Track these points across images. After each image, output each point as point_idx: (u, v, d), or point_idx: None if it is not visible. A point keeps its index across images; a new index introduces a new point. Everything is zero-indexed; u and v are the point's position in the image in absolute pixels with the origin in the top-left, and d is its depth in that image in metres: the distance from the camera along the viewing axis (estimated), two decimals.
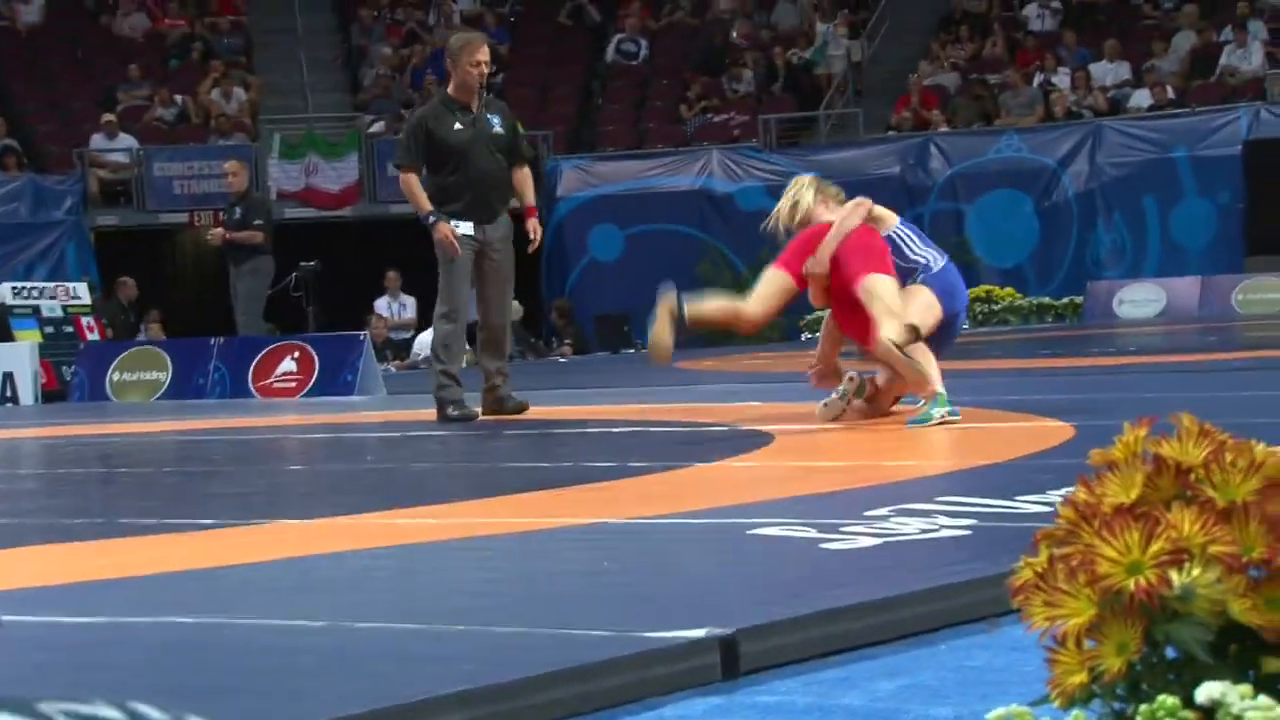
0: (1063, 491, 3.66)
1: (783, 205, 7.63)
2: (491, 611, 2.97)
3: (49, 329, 15.66)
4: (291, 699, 2.35)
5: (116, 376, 14.06)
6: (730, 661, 2.57)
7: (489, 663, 2.52)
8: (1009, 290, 20.89)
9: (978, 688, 2.41)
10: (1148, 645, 1.40)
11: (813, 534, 3.69)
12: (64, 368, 15.10)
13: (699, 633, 2.59)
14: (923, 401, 7.09)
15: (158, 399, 13.63)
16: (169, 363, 13.93)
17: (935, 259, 7.48)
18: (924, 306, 7.31)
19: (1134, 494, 1.45)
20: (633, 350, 20.67)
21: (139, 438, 9.35)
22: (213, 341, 13.90)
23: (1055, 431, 6.07)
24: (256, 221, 14.61)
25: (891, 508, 4.05)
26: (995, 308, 20.58)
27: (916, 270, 7.42)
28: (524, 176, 9.16)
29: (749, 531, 3.81)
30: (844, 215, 7.42)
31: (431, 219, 8.76)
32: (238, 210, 14.77)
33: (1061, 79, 22.73)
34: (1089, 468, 1.54)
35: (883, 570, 3.24)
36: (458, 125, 8.85)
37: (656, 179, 21.96)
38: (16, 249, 21.19)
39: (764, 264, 7.78)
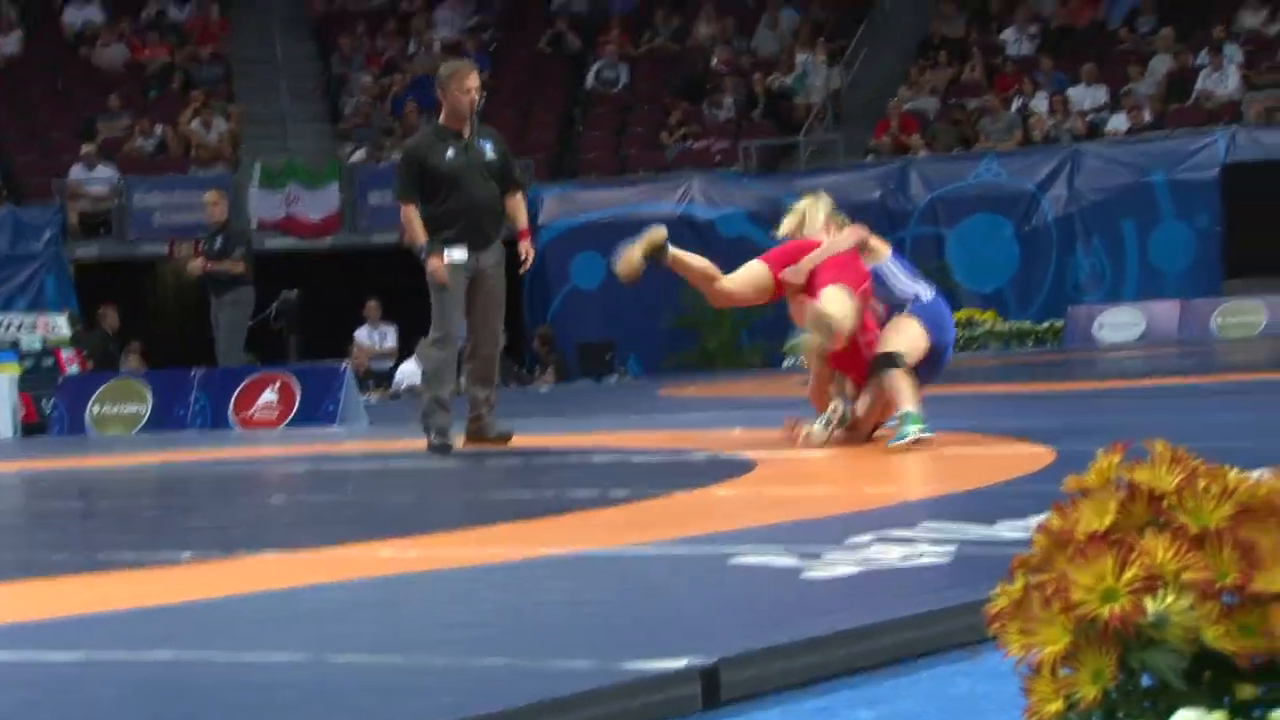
0: (1043, 517, 3.67)
1: (791, 217, 7.71)
2: (473, 643, 2.97)
3: (28, 362, 15.62)
4: None
5: (97, 409, 14.03)
6: (711, 691, 2.57)
7: (471, 695, 2.52)
8: (990, 314, 20.93)
9: (959, 715, 2.41)
10: (1123, 672, 1.40)
11: (794, 562, 3.69)
12: (44, 400, 15.06)
13: (680, 663, 2.59)
14: (895, 421, 7.14)
15: (138, 431, 13.60)
16: (149, 395, 13.90)
17: (924, 292, 7.53)
18: (912, 337, 7.35)
19: (1108, 521, 1.46)
20: (615, 378, 20.68)
21: (119, 471, 9.33)
22: (193, 372, 13.88)
23: (1036, 456, 6.08)
24: (237, 252, 14.58)
25: (873, 535, 4.05)
26: (976, 332, 20.61)
27: (906, 303, 7.46)
28: (517, 202, 9.19)
29: (730, 560, 3.81)
30: (837, 237, 7.48)
31: (423, 253, 8.79)
32: (218, 240, 14.75)
33: (1039, 103, 22.81)
34: (1064, 494, 1.54)
35: (864, 598, 3.24)
36: (450, 153, 8.87)
37: (638, 206, 21.97)
38: None
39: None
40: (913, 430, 6.93)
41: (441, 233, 8.81)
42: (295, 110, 24.97)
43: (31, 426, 14.85)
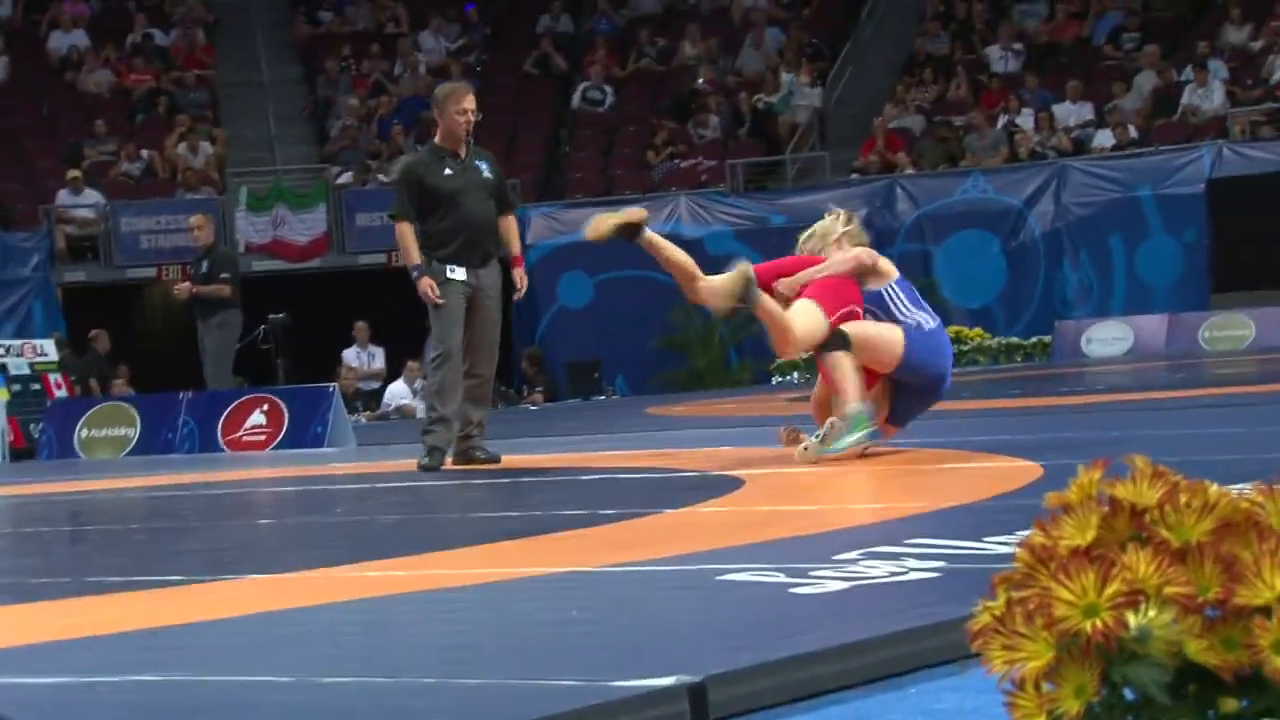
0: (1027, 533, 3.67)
1: (814, 228, 7.73)
2: (461, 663, 2.97)
3: (16, 387, 15.60)
4: None
5: (85, 433, 14.01)
6: (699, 709, 2.57)
7: (458, 715, 2.51)
8: (977, 331, 20.97)
9: None
10: (1106, 687, 1.41)
11: (782, 579, 3.69)
12: (32, 425, 15.03)
13: (668, 680, 2.59)
14: (839, 425, 7.12)
15: (126, 455, 13.58)
16: (137, 418, 13.89)
17: (926, 320, 7.49)
18: (887, 340, 7.34)
19: (1089, 536, 1.46)
20: (604, 397, 20.68)
21: (107, 495, 9.31)
22: (181, 396, 13.87)
23: (1023, 471, 6.09)
24: (223, 275, 14.59)
25: (860, 551, 4.05)
26: (964, 348, 20.65)
27: (906, 330, 7.44)
28: (510, 224, 9.23)
29: (718, 577, 3.81)
30: (837, 258, 7.49)
31: (415, 272, 8.81)
32: (204, 264, 14.75)
33: (1025, 120, 22.88)
34: (1046, 510, 1.55)
35: (852, 614, 3.24)
36: (448, 171, 8.92)
37: None
38: None
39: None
40: (859, 435, 6.98)
41: (440, 250, 8.85)
42: (281, 133, 24.99)
43: (20, 452, 14.83)
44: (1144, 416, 9.27)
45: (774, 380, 20.26)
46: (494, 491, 7.67)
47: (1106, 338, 20.78)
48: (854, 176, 22.82)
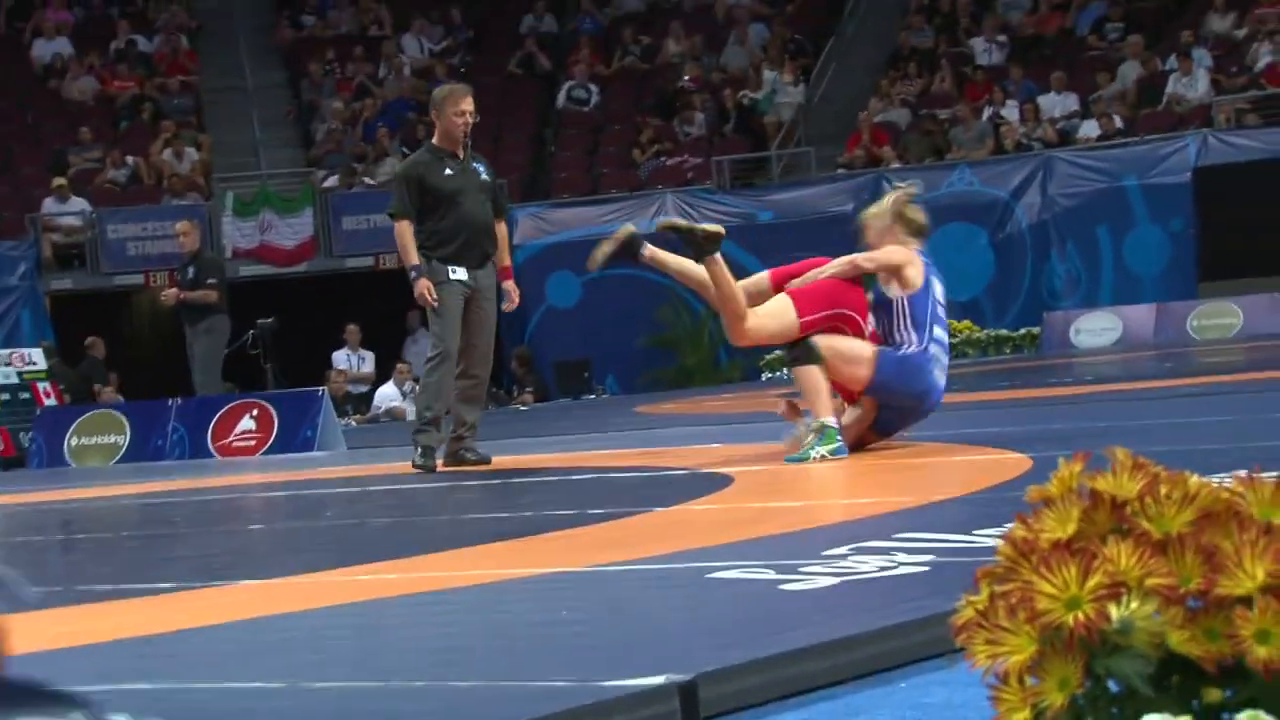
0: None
1: (877, 205, 7.73)
2: (451, 666, 2.97)
3: (5, 396, 15.58)
4: None
5: (75, 441, 13.99)
6: (690, 707, 2.57)
7: (449, 718, 2.52)
8: (966, 323, 20.97)
9: None
10: (1089, 679, 1.41)
11: (771, 575, 3.69)
12: (21, 434, 15.01)
13: (658, 679, 2.59)
14: (810, 435, 7.13)
15: (117, 462, 13.56)
16: (127, 425, 13.87)
17: (914, 344, 7.39)
18: (853, 361, 7.32)
19: (1071, 529, 1.46)
20: (594, 396, 20.67)
21: (98, 502, 9.30)
22: (170, 402, 13.86)
23: (1013, 464, 6.10)
24: (210, 281, 14.58)
25: (850, 546, 4.06)
26: (953, 341, 20.63)
27: (896, 345, 7.41)
28: (502, 232, 9.25)
29: (708, 575, 3.82)
30: (834, 262, 7.48)
31: (414, 273, 8.82)
32: (190, 270, 14.74)
33: (1010, 112, 22.89)
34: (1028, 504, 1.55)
35: (842, 610, 3.25)
36: (448, 171, 8.95)
37: (612, 224, 21.98)
38: None
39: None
40: (823, 450, 7.00)
41: (440, 250, 8.86)
42: (266, 138, 24.96)
43: (9, 460, 14.80)
44: (1133, 407, 9.28)
45: (764, 377, 20.27)
46: (484, 493, 7.67)
47: (1095, 328, 20.80)
48: (840, 171, 22.82)
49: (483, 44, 26.76)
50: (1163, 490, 1.47)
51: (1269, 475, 1.49)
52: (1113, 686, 1.42)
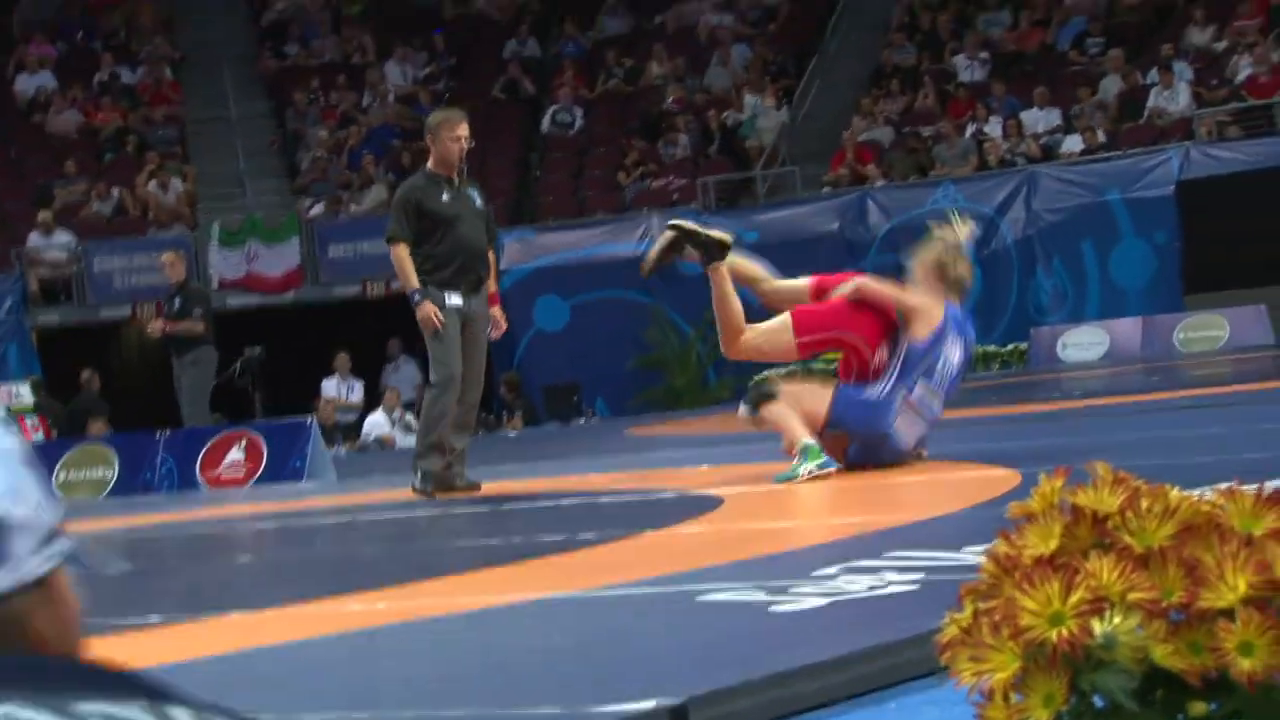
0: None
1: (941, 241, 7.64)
2: (442, 694, 2.97)
3: None
4: None
5: (63, 475, 13.96)
6: None
7: None
8: None
9: None
10: (1074, 695, 1.41)
11: (762, 597, 3.69)
12: None
13: (649, 704, 2.59)
14: (796, 457, 7.15)
15: (106, 496, 13.53)
16: (115, 459, 13.84)
17: (883, 389, 7.33)
18: (810, 400, 7.34)
19: (1053, 545, 1.47)
20: (584, 420, 20.66)
21: (85, 536, 9.27)
22: (159, 434, 13.83)
23: (1002, 480, 6.10)
24: (196, 311, 14.56)
25: (840, 566, 4.06)
26: None
27: (839, 390, 7.40)
28: (491, 259, 9.27)
29: (698, 598, 3.82)
30: (850, 284, 7.49)
31: (416, 297, 8.82)
32: (176, 301, 14.72)
33: (993, 128, 22.95)
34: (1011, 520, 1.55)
35: (832, 630, 3.25)
36: (445, 196, 8.97)
37: (598, 247, 22.02)
38: None
39: (709, 324, 7.97)
40: (810, 466, 7.01)
41: (436, 274, 8.87)
42: (251, 168, 24.97)
43: None
44: (1122, 421, 9.30)
45: None
46: (474, 519, 7.67)
47: (1082, 342, 20.83)
48: (825, 190, 22.86)
49: (466, 69, 26.80)
50: (1144, 504, 1.47)
51: (1249, 487, 1.49)
52: (1098, 702, 1.43)
